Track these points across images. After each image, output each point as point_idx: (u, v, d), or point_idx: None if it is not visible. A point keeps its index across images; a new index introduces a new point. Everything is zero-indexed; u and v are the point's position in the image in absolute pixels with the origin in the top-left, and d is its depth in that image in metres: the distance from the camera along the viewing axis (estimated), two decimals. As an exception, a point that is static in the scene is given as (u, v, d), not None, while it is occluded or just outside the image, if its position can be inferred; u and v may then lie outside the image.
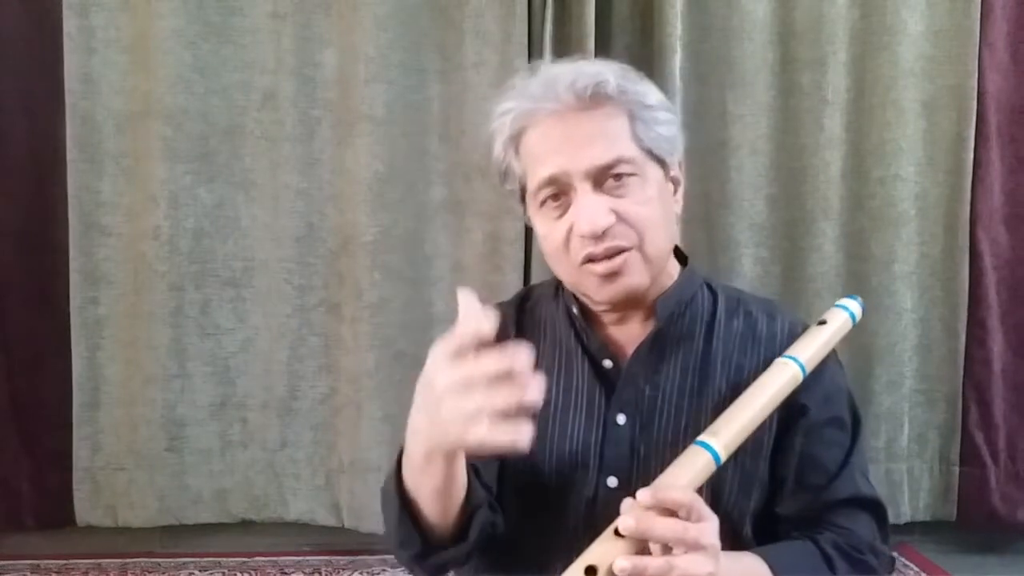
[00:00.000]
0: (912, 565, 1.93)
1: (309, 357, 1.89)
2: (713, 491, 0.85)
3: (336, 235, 1.88)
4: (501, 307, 1.02)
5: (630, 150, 0.86)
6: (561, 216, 0.87)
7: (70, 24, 1.80)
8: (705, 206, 1.88)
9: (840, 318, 0.92)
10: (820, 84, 1.88)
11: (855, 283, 1.92)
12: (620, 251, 0.85)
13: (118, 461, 1.87)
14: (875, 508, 0.91)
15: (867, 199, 1.91)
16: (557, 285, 1.00)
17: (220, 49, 1.84)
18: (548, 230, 0.88)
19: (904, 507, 1.94)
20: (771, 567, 0.81)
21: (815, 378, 0.88)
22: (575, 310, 0.95)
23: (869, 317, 1.91)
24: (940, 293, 1.93)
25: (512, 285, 1.87)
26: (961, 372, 1.93)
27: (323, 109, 1.86)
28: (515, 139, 0.90)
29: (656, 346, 0.90)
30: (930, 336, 1.93)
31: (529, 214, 0.93)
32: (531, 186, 0.89)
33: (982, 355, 1.92)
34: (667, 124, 0.89)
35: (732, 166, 1.89)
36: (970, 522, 1.96)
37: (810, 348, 0.87)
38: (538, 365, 0.93)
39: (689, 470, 0.74)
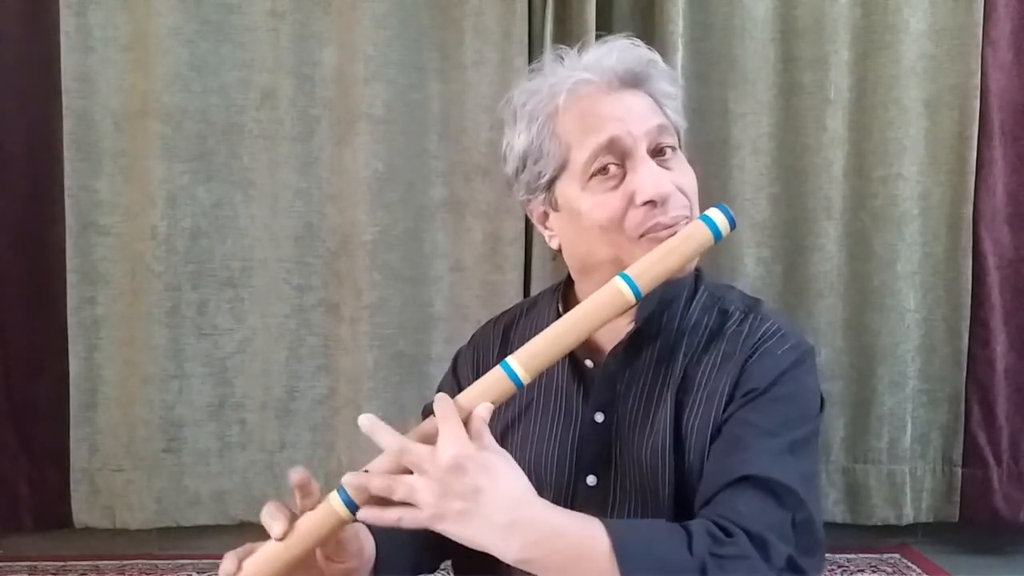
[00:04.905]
0: (914, 566, 1.92)
1: (308, 357, 1.88)
2: (677, 462, 0.86)
3: (335, 235, 1.87)
4: (485, 329, 1.06)
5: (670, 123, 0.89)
6: (616, 187, 0.85)
7: (67, 22, 1.78)
8: (706, 205, 1.87)
9: (692, 229, 0.81)
10: (822, 83, 1.87)
11: (857, 283, 1.91)
12: (679, 220, 0.86)
13: (116, 462, 1.86)
14: (780, 492, 0.79)
15: (869, 198, 1.90)
16: (555, 287, 1.01)
17: (218, 47, 1.83)
18: (600, 201, 0.86)
19: (907, 508, 1.92)
20: (612, 534, 0.72)
21: (764, 355, 0.87)
22: (561, 308, 0.96)
23: (871, 317, 1.91)
24: (943, 293, 1.92)
25: (512, 285, 1.86)
26: (964, 372, 1.92)
27: (322, 108, 1.85)
28: (556, 115, 0.87)
29: (634, 343, 0.90)
30: (933, 336, 1.92)
31: (563, 195, 0.89)
32: (582, 157, 0.86)
33: (985, 355, 1.91)
34: (680, 112, 0.92)
35: (734, 165, 1.88)
36: (973, 523, 1.94)
37: (643, 262, 0.80)
38: None
39: (481, 385, 0.78)
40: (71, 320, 1.82)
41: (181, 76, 1.81)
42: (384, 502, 0.74)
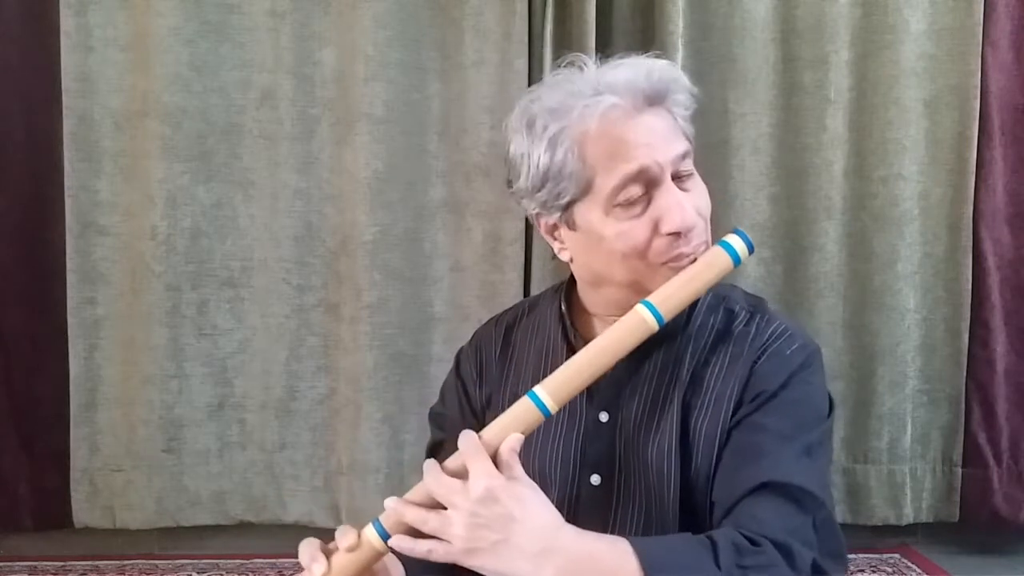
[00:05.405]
0: (914, 567, 1.92)
1: (308, 357, 1.88)
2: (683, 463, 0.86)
3: (335, 235, 1.87)
4: (487, 327, 1.06)
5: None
6: (640, 214, 0.85)
7: (67, 22, 1.78)
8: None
9: (712, 256, 0.83)
10: (822, 83, 1.87)
11: (857, 283, 1.91)
12: (699, 247, 0.86)
13: (116, 462, 1.86)
14: (801, 497, 0.80)
15: (869, 198, 1.90)
16: (557, 287, 1.01)
17: (218, 47, 1.83)
18: (625, 229, 0.85)
19: (907, 508, 1.93)
20: (639, 553, 0.74)
21: (772, 356, 0.87)
22: (564, 309, 0.96)
23: (871, 317, 1.91)
24: (943, 293, 1.92)
25: (512, 285, 1.86)
26: (964, 372, 1.92)
27: (322, 108, 1.85)
28: (584, 140, 0.84)
29: (641, 348, 0.89)
30: (933, 336, 1.92)
31: (583, 217, 0.87)
32: (608, 184, 0.84)
33: (985, 355, 1.91)
34: (688, 119, 0.92)
35: (734, 165, 1.88)
36: (973, 523, 1.95)
37: (666, 290, 0.82)
38: (525, 369, 0.94)
39: (509, 416, 0.79)
40: (71, 320, 1.82)
41: (181, 76, 1.81)
42: (417, 533, 0.75)
